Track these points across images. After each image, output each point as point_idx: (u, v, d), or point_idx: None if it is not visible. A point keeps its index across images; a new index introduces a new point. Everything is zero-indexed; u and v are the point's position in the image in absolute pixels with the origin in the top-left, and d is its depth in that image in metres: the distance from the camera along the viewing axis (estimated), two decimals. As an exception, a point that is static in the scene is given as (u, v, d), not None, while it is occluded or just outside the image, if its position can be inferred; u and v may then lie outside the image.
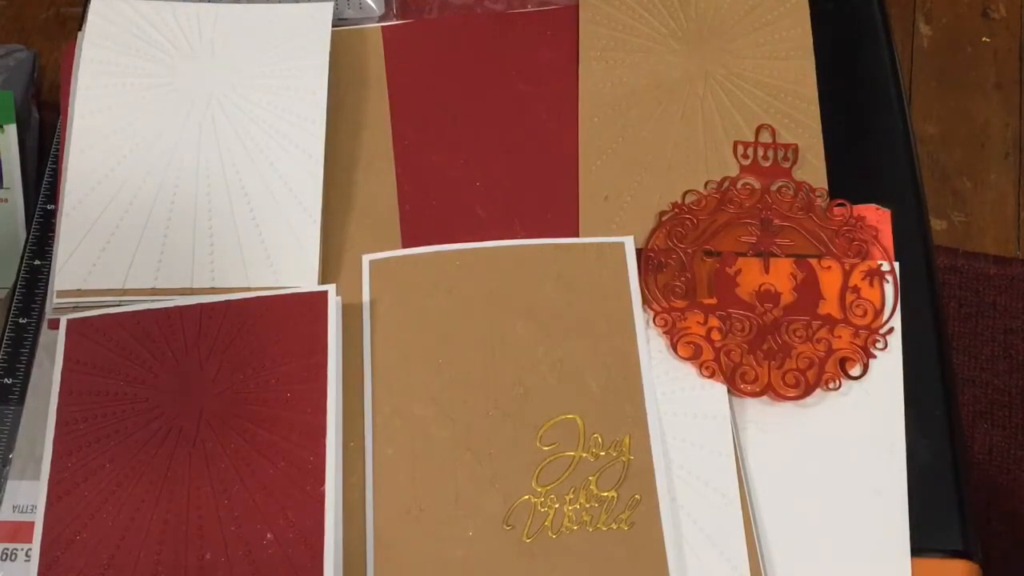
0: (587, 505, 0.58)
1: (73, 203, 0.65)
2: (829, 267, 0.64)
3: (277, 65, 0.69)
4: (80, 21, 0.71)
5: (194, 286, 0.64)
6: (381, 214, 0.68)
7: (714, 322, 0.63)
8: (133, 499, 0.58)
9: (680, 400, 0.61)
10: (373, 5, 0.74)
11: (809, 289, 0.64)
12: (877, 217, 0.66)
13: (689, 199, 0.67)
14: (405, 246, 0.66)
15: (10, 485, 0.62)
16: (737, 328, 0.63)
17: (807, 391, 0.61)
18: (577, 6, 0.73)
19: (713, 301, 0.64)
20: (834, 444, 0.61)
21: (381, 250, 0.66)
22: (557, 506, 0.58)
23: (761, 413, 0.62)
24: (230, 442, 0.59)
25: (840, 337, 0.63)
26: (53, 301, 0.63)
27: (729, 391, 0.62)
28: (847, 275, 0.64)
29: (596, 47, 0.72)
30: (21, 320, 0.67)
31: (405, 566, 0.58)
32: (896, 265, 0.65)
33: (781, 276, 0.64)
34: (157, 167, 0.67)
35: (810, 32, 0.71)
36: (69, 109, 0.68)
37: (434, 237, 0.66)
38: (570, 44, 0.72)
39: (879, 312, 0.63)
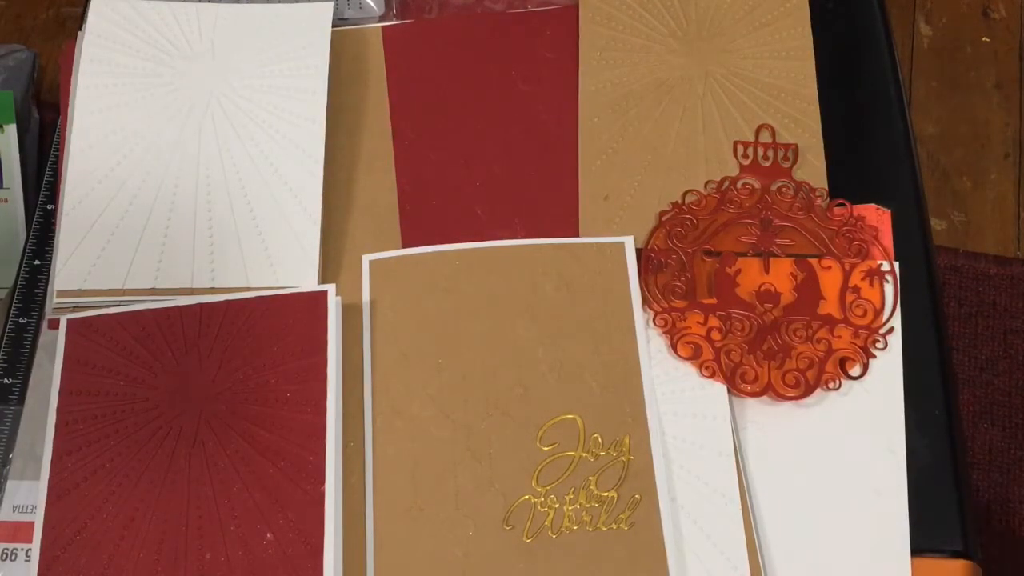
0: (587, 505, 0.58)
1: (73, 203, 0.65)
2: (829, 267, 0.64)
3: (277, 65, 0.69)
4: (80, 21, 0.71)
5: (194, 286, 0.64)
6: (381, 214, 0.68)
7: (714, 322, 0.63)
8: (133, 499, 0.58)
9: (680, 400, 0.61)
10: (373, 5, 0.74)
11: (809, 289, 0.64)
12: (877, 217, 0.66)
13: (689, 199, 0.67)
14: (405, 246, 0.66)
15: (10, 485, 0.62)
16: (737, 328, 0.63)
17: (807, 391, 0.61)
18: (577, 6, 0.73)
19: (713, 301, 0.64)
20: (834, 444, 0.61)
21: (381, 250, 0.66)
22: (557, 506, 0.58)
23: (761, 413, 0.62)
24: (230, 442, 0.59)
25: (840, 337, 0.63)
26: (53, 301, 0.63)
27: (729, 391, 0.61)
28: (847, 275, 0.64)
29: (596, 47, 0.72)
30: (21, 320, 0.67)
31: (405, 566, 0.58)
32: (896, 265, 0.65)
33: (781, 276, 0.64)
34: (157, 167, 0.67)
35: (810, 32, 0.71)
36: (69, 109, 0.68)
37: (434, 237, 0.66)
38: (570, 44, 0.72)
39: (879, 312, 0.63)
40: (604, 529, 0.58)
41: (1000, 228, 1.35)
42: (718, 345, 0.62)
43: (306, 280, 0.64)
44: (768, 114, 0.69)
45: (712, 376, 0.62)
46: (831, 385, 0.62)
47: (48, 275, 0.66)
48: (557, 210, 0.67)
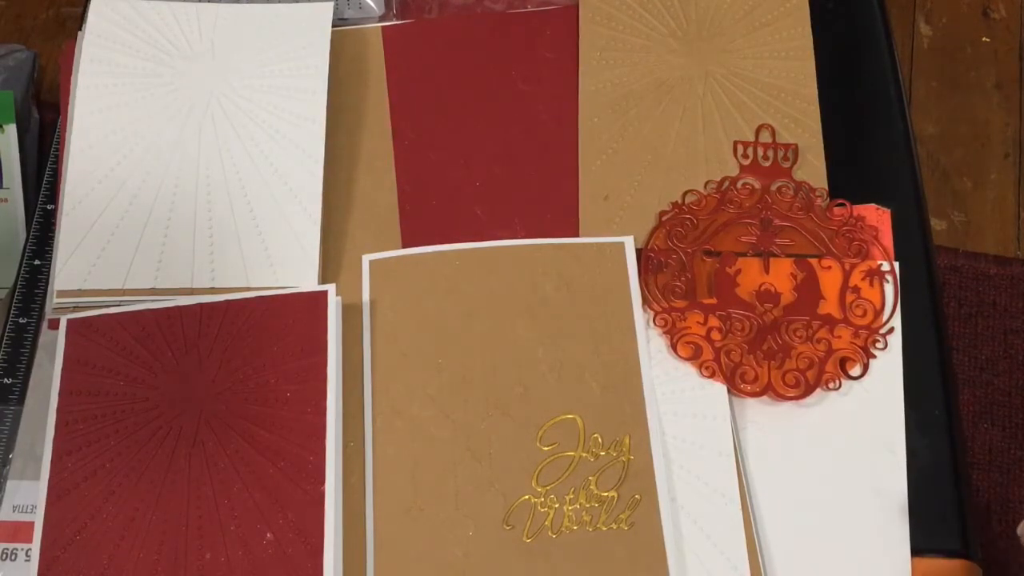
0: (587, 505, 0.58)
1: (73, 203, 0.65)
2: (829, 267, 0.64)
3: (277, 65, 0.69)
4: (80, 21, 0.71)
5: (194, 286, 0.64)
6: (381, 214, 0.68)
7: (714, 322, 0.63)
8: (133, 499, 0.58)
9: (680, 400, 0.61)
10: (373, 5, 0.74)
11: (809, 289, 0.64)
12: (877, 217, 0.66)
13: (689, 199, 0.67)
14: (405, 246, 0.66)
15: (10, 485, 0.62)
16: (737, 328, 0.63)
17: (807, 391, 0.61)
18: (577, 6, 0.73)
19: (713, 301, 0.64)
20: (834, 444, 0.61)
21: (381, 250, 0.66)
22: (557, 506, 0.58)
23: (761, 413, 0.62)
24: (230, 442, 0.59)
25: (840, 337, 0.63)
26: (53, 301, 0.63)
27: (729, 391, 0.61)
28: (847, 275, 0.64)
29: (596, 47, 0.72)
30: (21, 320, 0.67)
31: (405, 566, 0.58)
32: (896, 265, 0.65)
33: (781, 276, 0.64)
34: (157, 167, 0.67)
35: (810, 32, 0.71)
36: (69, 109, 0.68)
37: (434, 237, 0.66)
38: (570, 44, 0.72)
39: (879, 312, 0.63)
40: (604, 529, 0.58)
41: (1000, 228, 1.35)
42: (718, 345, 0.62)
43: (306, 280, 0.64)
44: (768, 114, 0.69)
45: (712, 376, 0.62)
46: (831, 385, 0.62)
47: (48, 275, 0.66)
48: (557, 210, 0.67)
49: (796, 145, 0.68)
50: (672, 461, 0.60)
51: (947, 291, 1.28)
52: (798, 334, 0.63)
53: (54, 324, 0.64)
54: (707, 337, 0.63)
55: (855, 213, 0.66)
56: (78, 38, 0.70)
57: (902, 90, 0.72)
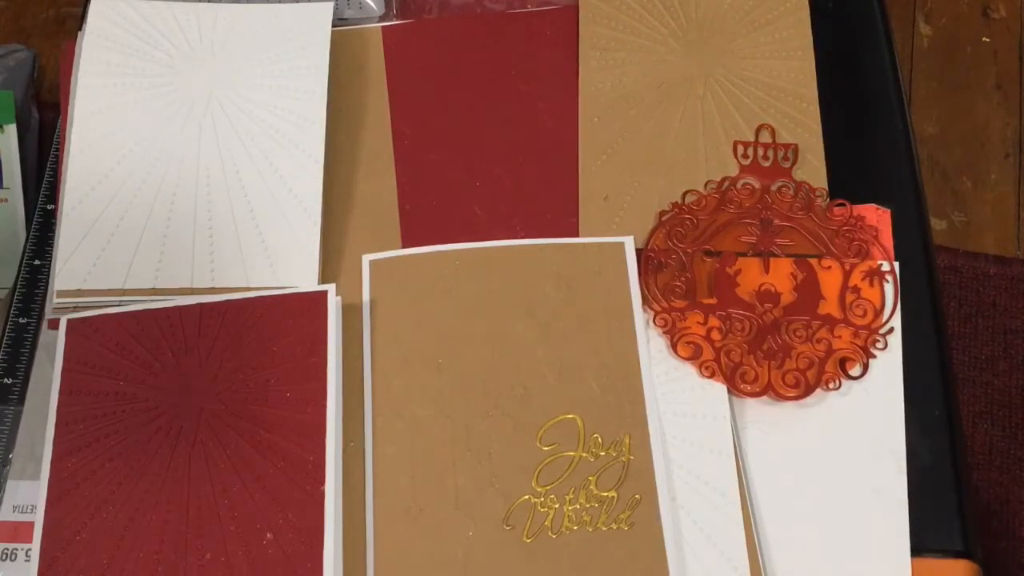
0: (587, 505, 0.58)
1: (73, 203, 0.65)
2: (829, 267, 0.64)
3: (277, 65, 0.69)
4: (80, 21, 0.71)
5: (194, 286, 0.64)
6: (381, 214, 0.68)
7: (714, 322, 0.63)
8: (133, 499, 0.58)
9: (680, 400, 0.61)
10: (373, 5, 0.74)
11: (809, 289, 0.64)
12: (877, 217, 0.66)
13: (689, 199, 0.67)
14: (405, 246, 0.66)
15: (10, 485, 0.62)
16: (737, 328, 0.63)
17: (807, 391, 0.61)
18: (577, 6, 0.73)
19: (713, 301, 0.64)
20: (834, 444, 0.61)
21: (381, 250, 0.66)
22: (557, 506, 0.58)
23: (761, 413, 0.62)
24: (230, 442, 0.59)
25: (840, 337, 0.63)
26: (53, 301, 0.63)
27: (729, 391, 0.61)
28: (847, 275, 0.64)
29: (596, 47, 0.72)
30: (21, 320, 0.67)
31: (405, 566, 0.58)
32: (896, 265, 0.65)
33: (781, 276, 0.64)
34: (157, 167, 0.67)
35: (810, 32, 0.71)
36: (69, 109, 0.68)
37: (434, 237, 0.66)
38: (570, 44, 0.73)
39: (879, 312, 0.63)
40: (604, 529, 0.58)
41: (1000, 228, 1.35)
42: (718, 345, 0.62)
43: (306, 280, 0.64)
44: (768, 114, 0.69)
45: (712, 376, 0.62)
46: (831, 385, 0.62)
47: (48, 275, 0.66)
48: (557, 210, 0.67)
49: (796, 145, 0.68)
50: (672, 461, 0.60)
51: (947, 291, 1.28)
52: (798, 334, 0.63)
53: (54, 324, 0.64)
54: (707, 337, 0.63)
55: (855, 213, 0.66)
56: (78, 38, 0.70)
57: (902, 90, 0.72)
